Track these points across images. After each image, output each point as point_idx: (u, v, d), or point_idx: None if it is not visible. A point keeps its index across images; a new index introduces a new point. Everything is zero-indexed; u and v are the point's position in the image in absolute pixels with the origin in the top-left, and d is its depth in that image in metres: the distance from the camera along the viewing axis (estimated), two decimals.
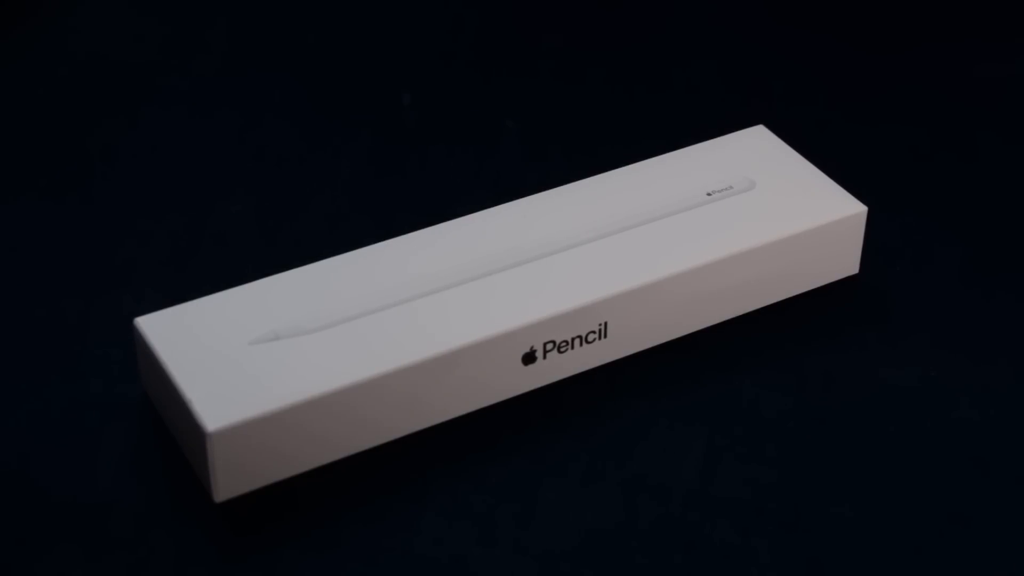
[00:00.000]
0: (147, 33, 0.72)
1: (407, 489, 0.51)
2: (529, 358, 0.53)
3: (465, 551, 0.49)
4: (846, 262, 0.58)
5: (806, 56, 0.71)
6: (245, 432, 0.48)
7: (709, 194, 0.57)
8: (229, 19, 0.73)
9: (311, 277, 0.54)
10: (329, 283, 0.53)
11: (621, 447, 0.52)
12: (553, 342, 0.53)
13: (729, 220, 0.56)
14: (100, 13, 0.72)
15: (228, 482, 0.49)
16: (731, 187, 0.58)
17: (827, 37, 0.72)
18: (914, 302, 0.58)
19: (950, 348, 0.56)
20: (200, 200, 0.62)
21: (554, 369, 0.54)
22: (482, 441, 0.52)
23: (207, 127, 0.66)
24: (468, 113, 0.68)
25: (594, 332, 0.54)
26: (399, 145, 0.66)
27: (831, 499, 0.51)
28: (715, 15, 0.74)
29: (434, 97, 0.68)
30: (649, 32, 0.73)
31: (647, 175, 0.59)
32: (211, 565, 0.48)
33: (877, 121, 0.67)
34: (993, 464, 0.52)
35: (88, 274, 0.58)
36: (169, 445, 0.51)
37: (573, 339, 0.53)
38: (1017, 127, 0.67)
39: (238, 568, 0.48)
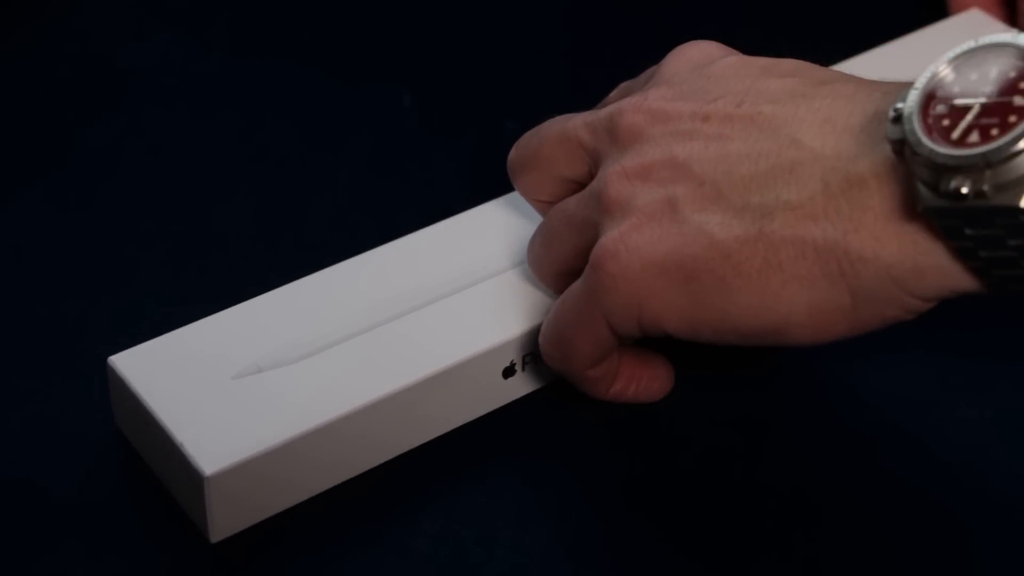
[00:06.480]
0: (148, 33, 0.72)
1: (407, 489, 0.51)
2: (509, 372, 0.53)
3: (465, 551, 0.49)
4: None
5: (809, 59, 0.71)
6: (241, 472, 0.47)
7: None
8: (229, 19, 0.73)
9: (285, 300, 0.53)
10: (303, 306, 0.52)
11: (620, 447, 0.53)
12: (532, 354, 0.53)
13: None
14: (101, 13, 0.72)
15: (224, 522, 0.48)
16: None
17: (831, 42, 0.72)
18: None
19: (950, 348, 0.56)
20: (201, 200, 0.62)
21: (537, 378, 0.54)
22: (482, 442, 0.52)
23: (208, 127, 0.66)
24: (468, 113, 0.68)
25: None
26: (399, 146, 0.66)
27: (830, 499, 0.51)
28: (717, 17, 0.74)
29: (434, 98, 0.68)
30: (650, 33, 0.73)
31: None
32: (212, 562, 0.48)
33: None
34: (993, 464, 0.52)
35: (89, 274, 0.58)
36: None
37: None
38: None
39: (237, 565, 0.48)
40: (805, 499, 0.51)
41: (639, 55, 0.73)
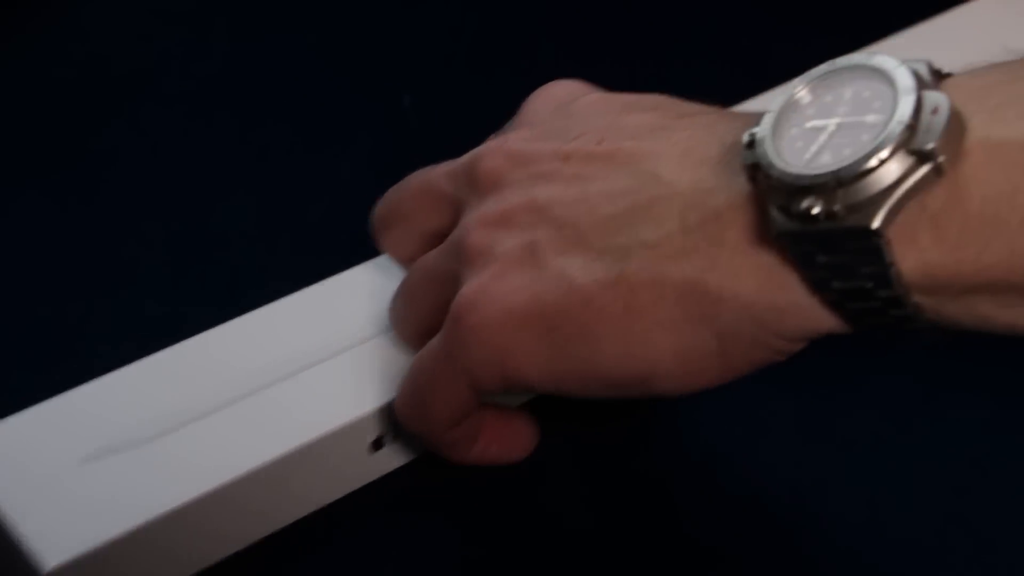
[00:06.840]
0: (148, 33, 0.72)
1: (407, 490, 0.51)
2: (377, 444, 0.50)
3: (465, 551, 0.49)
4: None
5: (811, 60, 0.71)
6: (87, 564, 0.43)
7: None
8: (229, 19, 0.73)
9: (138, 377, 0.49)
10: (158, 383, 0.49)
11: (617, 446, 0.53)
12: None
13: None
14: (101, 14, 0.72)
15: None
16: None
17: (833, 41, 0.72)
18: None
19: (950, 348, 0.56)
20: (201, 200, 0.62)
21: (411, 448, 0.51)
22: None
23: (208, 127, 0.66)
24: (468, 113, 0.68)
25: None
26: (399, 146, 0.66)
27: (829, 499, 0.51)
28: (718, 17, 0.74)
29: (434, 98, 0.68)
30: (651, 34, 0.73)
31: None
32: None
33: None
34: (993, 464, 0.52)
35: (89, 274, 0.58)
36: None
37: None
38: None
39: (241, 566, 0.48)
40: (801, 504, 0.51)
41: (639, 55, 0.73)
